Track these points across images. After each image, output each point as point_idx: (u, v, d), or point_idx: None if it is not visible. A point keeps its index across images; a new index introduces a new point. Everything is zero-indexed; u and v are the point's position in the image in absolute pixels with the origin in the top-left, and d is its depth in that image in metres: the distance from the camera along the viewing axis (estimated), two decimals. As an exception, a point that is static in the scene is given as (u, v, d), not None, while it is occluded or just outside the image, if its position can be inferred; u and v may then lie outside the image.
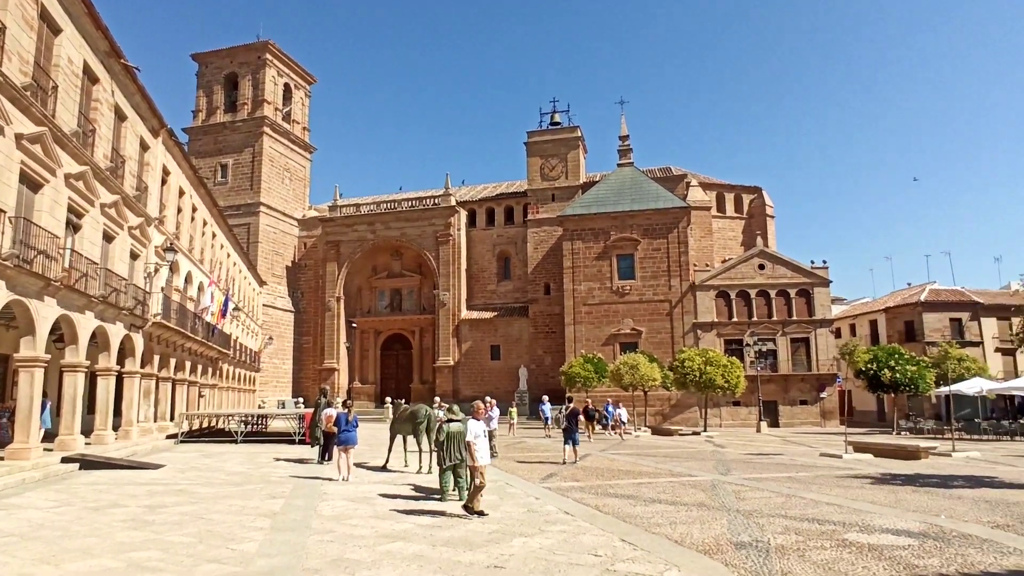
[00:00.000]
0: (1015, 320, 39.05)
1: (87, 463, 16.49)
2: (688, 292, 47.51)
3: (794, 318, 46.56)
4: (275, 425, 32.42)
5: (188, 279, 30.82)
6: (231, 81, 61.31)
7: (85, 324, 18.21)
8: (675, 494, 13.24)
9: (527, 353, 53.98)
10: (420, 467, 16.41)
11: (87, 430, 20.02)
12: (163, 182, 26.61)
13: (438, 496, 11.99)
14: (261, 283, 54.88)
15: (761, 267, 47.55)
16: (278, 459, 19.57)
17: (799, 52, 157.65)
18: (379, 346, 60.23)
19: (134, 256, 22.83)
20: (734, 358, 39.33)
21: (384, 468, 17.06)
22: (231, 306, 37.69)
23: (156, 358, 25.42)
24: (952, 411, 30.87)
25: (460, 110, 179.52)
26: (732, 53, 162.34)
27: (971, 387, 33.28)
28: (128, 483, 14.19)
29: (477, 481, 10.33)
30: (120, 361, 21.65)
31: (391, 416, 21.76)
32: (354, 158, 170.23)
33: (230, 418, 31.06)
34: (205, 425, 30.99)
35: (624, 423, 33.53)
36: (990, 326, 47.18)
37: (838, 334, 51.77)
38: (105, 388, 20.71)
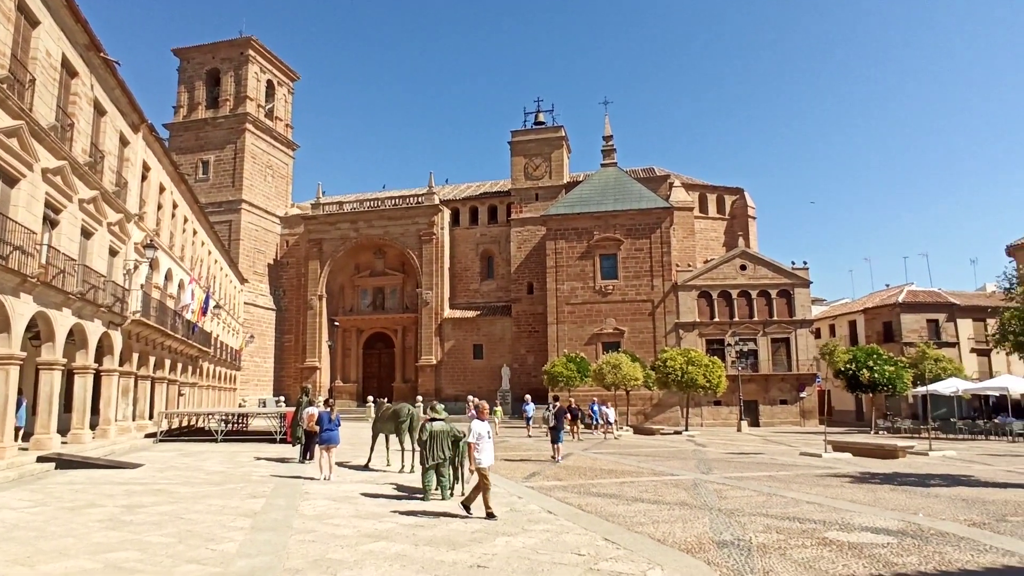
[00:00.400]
0: (991, 321, 39.74)
1: (63, 462, 16.24)
2: (670, 292, 47.76)
3: (775, 318, 46.97)
4: (256, 424, 32.13)
5: (168, 276, 30.48)
6: (213, 77, 60.68)
7: (62, 321, 17.94)
8: (657, 493, 13.30)
9: (510, 352, 53.97)
10: (403, 466, 16.36)
11: (64, 429, 19.72)
12: (143, 178, 26.28)
13: (421, 496, 11.94)
14: (243, 281, 54.41)
15: (743, 268, 47.91)
16: (259, 458, 19.41)
17: (782, 55, 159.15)
18: (361, 345, 59.95)
19: (113, 253, 22.52)
20: (715, 358, 39.58)
21: (366, 467, 16.99)
22: (212, 304, 37.33)
23: (135, 356, 25.11)
24: (929, 411, 31.31)
25: (444, 109, 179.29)
26: (716, 55, 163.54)
27: (947, 387, 33.76)
28: (105, 483, 14.00)
29: (484, 483, 10.09)
30: (98, 359, 21.36)
31: (373, 415, 21.68)
32: (337, 156, 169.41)
33: (210, 417, 30.76)
34: (185, 424, 30.66)
35: (612, 422, 33.68)
36: (966, 327, 47.87)
37: (818, 334, 52.30)
38: (83, 386, 20.41)
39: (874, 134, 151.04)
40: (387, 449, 17.75)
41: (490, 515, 10.02)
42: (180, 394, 33.48)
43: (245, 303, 55.58)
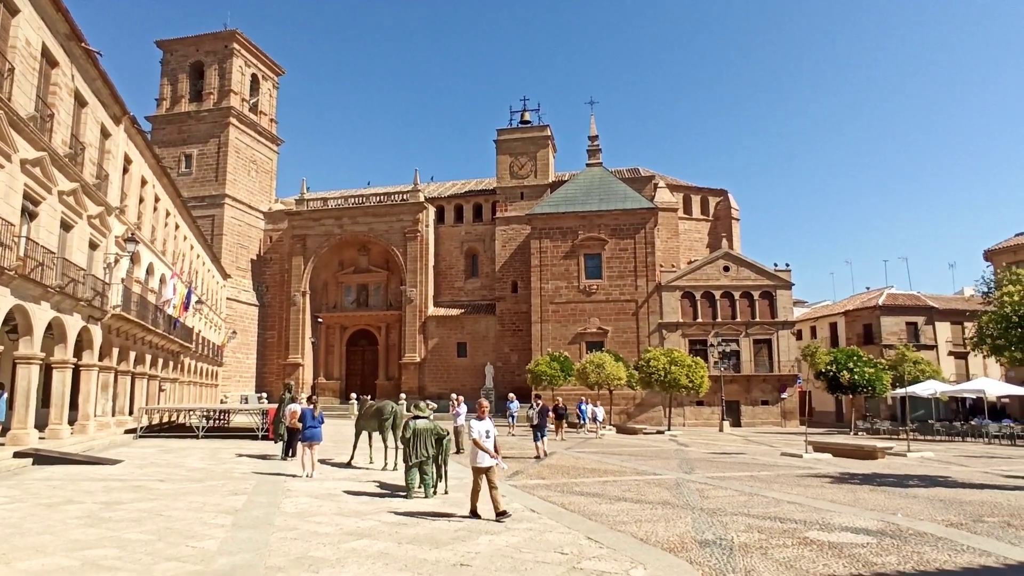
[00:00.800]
0: (968, 324, 40.27)
1: (41, 458, 16.01)
2: (654, 292, 47.96)
3: (757, 320, 47.33)
4: (238, 420, 31.88)
5: (150, 271, 30.15)
6: (197, 70, 60.02)
7: (40, 315, 17.68)
8: (640, 492, 13.35)
9: (493, 351, 53.95)
10: (385, 464, 16.30)
11: (41, 424, 19.43)
12: (125, 171, 25.97)
13: (404, 494, 11.90)
14: (225, 276, 53.93)
15: (726, 269, 48.22)
16: (240, 455, 19.27)
17: (767, 59, 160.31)
18: (345, 342, 59.62)
19: (93, 246, 22.23)
20: (698, 358, 39.82)
21: (349, 465, 16.92)
22: (194, 299, 36.97)
23: (115, 351, 24.82)
24: (908, 412, 31.65)
25: (430, 106, 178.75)
26: (702, 57, 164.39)
27: (925, 389, 34.16)
28: (84, 479, 13.82)
29: (491, 483, 9.80)
30: (77, 353, 21.06)
31: (356, 412, 21.59)
32: (322, 152, 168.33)
33: (191, 413, 30.45)
34: (165, 420, 30.35)
35: (599, 421, 33.77)
36: (944, 330, 48.49)
37: (799, 336, 52.76)
38: (61, 381, 20.11)
39: (856, 139, 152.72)
40: (370, 447, 17.68)
41: (474, 514, 9.97)
42: (161, 390, 33.15)
43: (228, 299, 55.09)
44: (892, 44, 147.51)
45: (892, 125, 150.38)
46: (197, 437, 25.08)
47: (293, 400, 18.74)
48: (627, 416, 46.11)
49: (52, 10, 17.58)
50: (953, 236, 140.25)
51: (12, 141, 15.57)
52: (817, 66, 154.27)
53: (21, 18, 16.27)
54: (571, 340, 48.28)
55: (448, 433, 12.62)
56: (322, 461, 16.76)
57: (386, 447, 16.59)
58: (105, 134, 23.23)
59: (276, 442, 19.80)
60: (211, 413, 29.84)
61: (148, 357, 29.72)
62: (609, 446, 26.59)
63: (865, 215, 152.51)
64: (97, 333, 22.30)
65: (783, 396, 46.04)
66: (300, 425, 15.13)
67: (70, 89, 19.59)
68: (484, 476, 9.93)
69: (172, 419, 30.86)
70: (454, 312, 56.30)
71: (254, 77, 61.82)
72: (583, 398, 37.15)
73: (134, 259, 26.63)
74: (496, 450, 10.02)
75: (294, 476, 14.55)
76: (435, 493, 11.90)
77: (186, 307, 33.95)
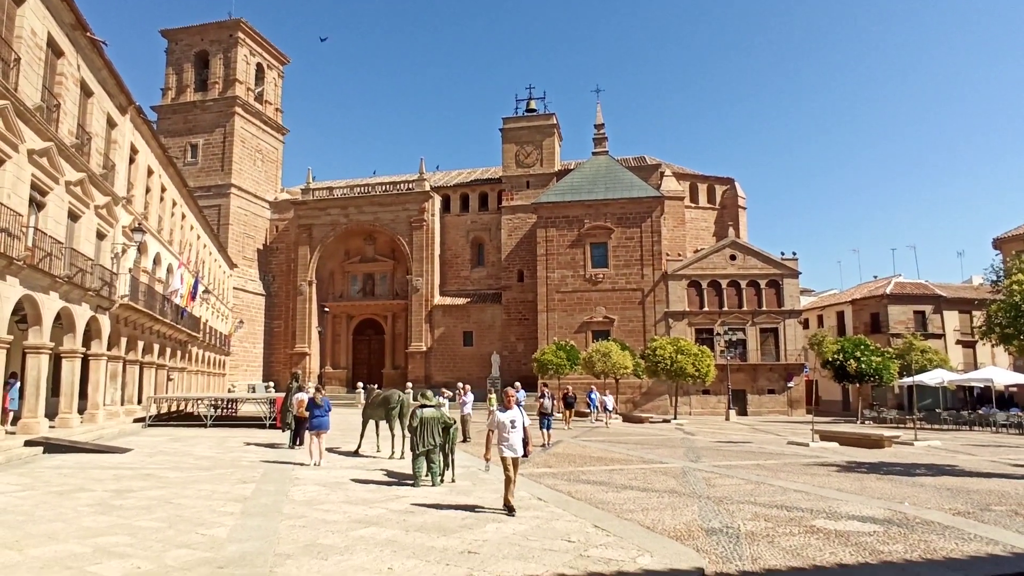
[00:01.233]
0: (976, 313, 40.07)
1: (51, 447, 16.14)
2: (660, 281, 47.89)
3: (764, 308, 47.23)
4: (245, 409, 32.05)
5: (157, 260, 30.24)
6: (202, 59, 59.91)
7: (49, 305, 17.78)
8: (647, 481, 13.38)
9: (499, 340, 54.01)
10: (392, 452, 16.38)
11: (51, 413, 19.60)
12: (131, 161, 25.99)
13: (411, 482, 11.96)
14: (232, 266, 54.06)
15: (732, 258, 48.08)
16: (248, 444, 19.38)
17: (774, 46, 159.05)
18: (351, 331, 59.80)
19: (101, 236, 22.31)
20: (704, 347, 39.78)
21: (356, 453, 16.99)
22: (201, 288, 37.10)
23: (123, 340, 24.94)
24: (915, 401, 31.66)
25: (435, 95, 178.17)
26: (708, 45, 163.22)
27: (933, 378, 34.11)
28: (94, 467, 13.93)
29: (509, 474, 9.44)
30: (86, 343, 21.20)
31: (363, 401, 21.67)
32: (328, 141, 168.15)
33: (199, 402, 30.66)
34: (174, 409, 30.52)
35: (609, 410, 33.83)
36: (952, 319, 48.29)
37: (806, 325, 52.63)
38: (70, 370, 20.26)
39: (864, 127, 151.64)
40: (377, 435, 17.77)
41: (509, 508, 9.44)
42: (169, 379, 33.32)
43: (234, 288, 55.25)
44: (900, 31, 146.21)
45: (900, 113, 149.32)
46: (205, 426, 25.23)
47: (300, 389, 18.82)
48: (633, 405, 46.18)
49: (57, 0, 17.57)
50: (961, 224, 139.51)
51: (19, 132, 15.60)
52: (824, 54, 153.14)
53: (27, 7, 16.26)
54: (577, 329, 48.31)
55: (455, 422, 12.66)
56: (329, 450, 16.85)
57: (393, 436, 16.67)
58: (111, 124, 23.25)
59: (283, 431, 19.90)
60: (219, 402, 29.99)
61: (156, 346, 29.86)
62: (615, 435, 26.64)
63: (873, 203, 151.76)
64: (105, 323, 22.42)
65: (790, 385, 46.04)
66: (307, 414, 15.20)
67: (76, 79, 19.59)
68: (514, 466, 9.52)
69: (180, 408, 31.04)
70: (460, 301, 56.35)
71: (259, 66, 61.68)
72: (592, 387, 37.19)
73: (141, 249, 26.70)
74: (526, 442, 9.62)
75: (302, 464, 14.63)
76: (442, 481, 11.96)
77: (193, 297, 34.07)
